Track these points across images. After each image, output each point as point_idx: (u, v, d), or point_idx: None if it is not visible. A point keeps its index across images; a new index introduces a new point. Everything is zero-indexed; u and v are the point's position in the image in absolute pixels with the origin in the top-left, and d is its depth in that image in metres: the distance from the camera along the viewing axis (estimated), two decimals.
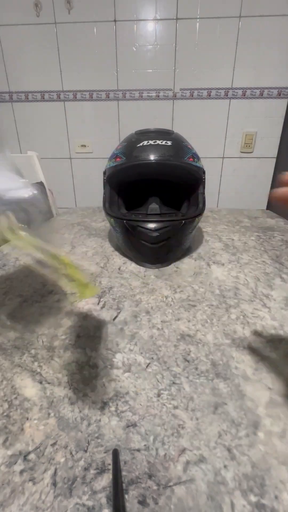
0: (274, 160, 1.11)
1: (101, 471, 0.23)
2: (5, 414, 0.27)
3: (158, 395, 0.29)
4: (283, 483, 0.22)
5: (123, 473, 0.22)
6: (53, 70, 1.07)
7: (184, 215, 0.62)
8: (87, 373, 0.32)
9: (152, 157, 0.57)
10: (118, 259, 0.61)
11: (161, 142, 0.59)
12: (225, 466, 0.23)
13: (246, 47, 0.99)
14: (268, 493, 0.21)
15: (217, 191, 1.19)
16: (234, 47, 1.00)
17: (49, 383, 0.31)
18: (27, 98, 1.12)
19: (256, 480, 0.22)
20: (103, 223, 0.84)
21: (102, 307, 0.44)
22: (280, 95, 1.03)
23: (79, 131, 1.15)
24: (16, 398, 0.29)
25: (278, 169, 1.11)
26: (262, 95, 1.04)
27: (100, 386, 0.30)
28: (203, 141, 1.05)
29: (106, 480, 0.22)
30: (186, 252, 0.63)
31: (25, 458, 0.24)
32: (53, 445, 0.25)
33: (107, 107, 1.10)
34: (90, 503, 0.21)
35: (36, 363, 0.33)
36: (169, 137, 0.61)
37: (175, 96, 1.07)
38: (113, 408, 0.28)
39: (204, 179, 0.63)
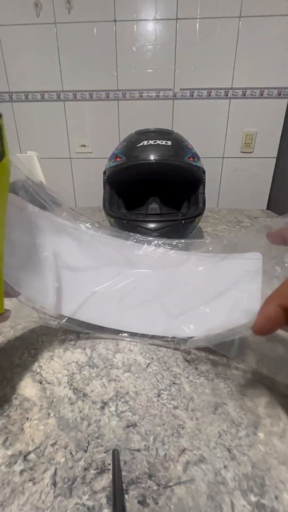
0: (274, 160, 1.11)
1: (101, 471, 0.23)
2: (5, 414, 0.27)
3: (158, 395, 0.29)
4: (283, 483, 0.22)
5: (123, 473, 0.22)
6: (53, 70, 1.07)
7: (184, 215, 0.62)
8: (87, 373, 0.32)
9: (152, 157, 0.57)
10: None
11: (161, 142, 0.59)
12: (225, 466, 0.23)
13: (246, 47, 0.99)
14: (268, 493, 0.21)
15: (217, 191, 1.18)
16: (234, 47, 0.99)
17: (49, 383, 0.31)
18: (27, 98, 1.12)
19: (256, 480, 0.22)
20: (103, 223, 0.84)
21: None
22: (280, 95, 1.03)
23: (79, 131, 1.15)
24: (16, 398, 0.29)
25: (278, 169, 1.11)
26: (262, 95, 1.03)
27: (100, 386, 0.30)
28: (203, 141, 1.05)
29: (106, 480, 0.22)
30: None
31: (25, 458, 0.24)
32: (53, 445, 0.25)
33: (107, 107, 1.10)
34: (90, 503, 0.21)
35: (36, 363, 0.33)
36: (169, 137, 0.61)
37: (175, 96, 1.06)
38: (113, 408, 0.28)
39: (204, 179, 0.62)
